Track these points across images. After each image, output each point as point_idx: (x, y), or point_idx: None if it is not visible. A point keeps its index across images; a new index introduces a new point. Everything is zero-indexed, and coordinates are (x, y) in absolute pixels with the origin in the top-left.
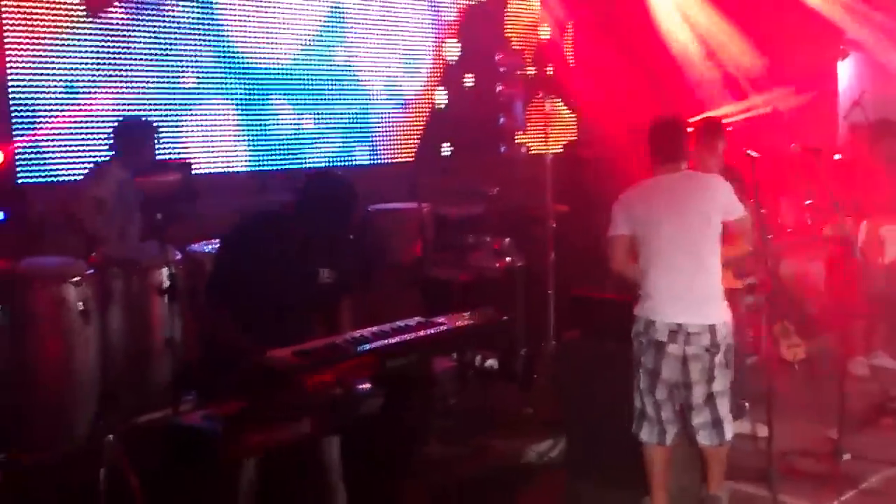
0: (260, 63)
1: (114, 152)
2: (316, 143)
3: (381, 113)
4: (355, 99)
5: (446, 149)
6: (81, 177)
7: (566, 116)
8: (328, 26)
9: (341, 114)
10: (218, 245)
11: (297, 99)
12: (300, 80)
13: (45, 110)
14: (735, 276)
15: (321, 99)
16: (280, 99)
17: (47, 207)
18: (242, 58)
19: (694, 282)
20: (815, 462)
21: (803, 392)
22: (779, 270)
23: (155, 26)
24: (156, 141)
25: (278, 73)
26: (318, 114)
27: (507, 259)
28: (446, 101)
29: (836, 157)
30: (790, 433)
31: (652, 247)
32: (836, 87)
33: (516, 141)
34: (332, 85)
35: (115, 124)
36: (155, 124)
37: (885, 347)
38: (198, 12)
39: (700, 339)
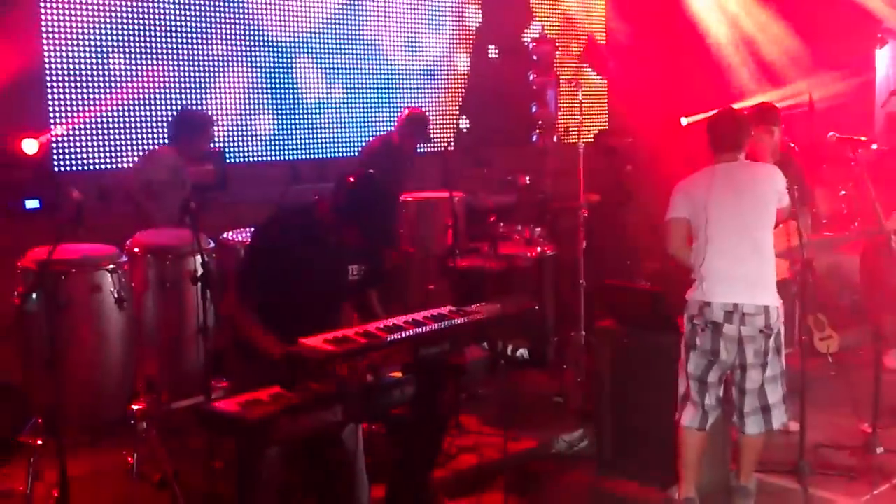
0: (287, 41)
1: (170, 139)
2: (341, 131)
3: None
4: (382, 84)
5: (464, 122)
6: (135, 160)
7: (598, 106)
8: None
9: (368, 100)
10: (249, 241)
11: (325, 86)
12: (326, 62)
13: (80, 100)
14: (789, 266)
15: (347, 84)
16: (311, 86)
17: (83, 194)
18: (275, 45)
19: (749, 264)
20: (848, 455)
21: (836, 385)
22: (813, 261)
23: (189, 18)
24: (213, 134)
25: (306, 54)
26: (344, 101)
27: (539, 248)
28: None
29: (873, 146)
30: (823, 426)
31: (709, 230)
32: (874, 76)
33: (547, 130)
34: (357, 69)
35: (176, 112)
36: (213, 117)
37: None
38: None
39: (755, 320)
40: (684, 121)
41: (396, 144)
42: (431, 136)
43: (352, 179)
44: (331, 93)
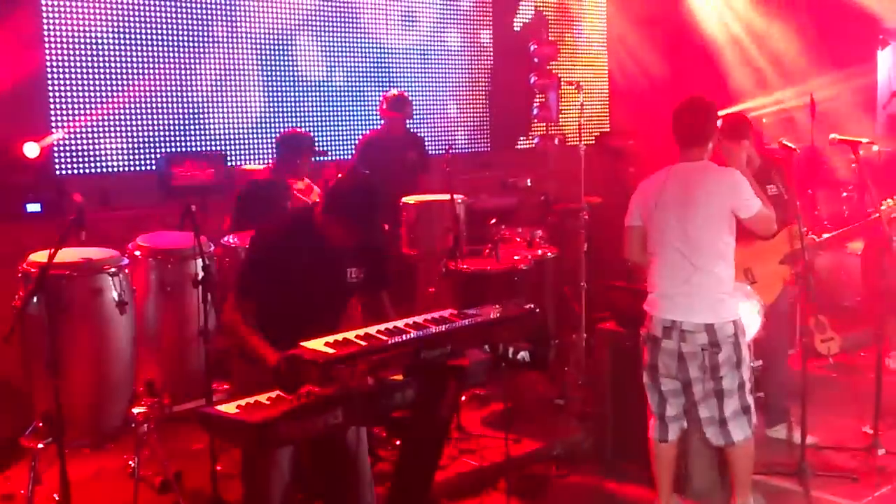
0: (289, 48)
1: (277, 155)
2: (341, 134)
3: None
4: (382, 86)
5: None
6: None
7: (599, 107)
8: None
9: (368, 103)
10: (249, 244)
11: (326, 89)
12: (328, 64)
13: (82, 103)
14: (791, 269)
15: (346, 86)
16: (312, 89)
17: (84, 197)
18: (277, 50)
19: (692, 279)
20: (850, 457)
21: (838, 386)
22: (814, 263)
23: (191, 22)
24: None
25: (308, 57)
26: (345, 106)
27: (540, 250)
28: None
29: (875, 147)
30: (824, 428)
31: (656, 240)
32: (875, 77)
33: (549, 132)
34: (358, 71)
35: (282, 134)
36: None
37: None
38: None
39: (695, 337)
40: None
41: (385, 130)
42: (414, 112)
43: (339, 176)
44: (332, 96)
